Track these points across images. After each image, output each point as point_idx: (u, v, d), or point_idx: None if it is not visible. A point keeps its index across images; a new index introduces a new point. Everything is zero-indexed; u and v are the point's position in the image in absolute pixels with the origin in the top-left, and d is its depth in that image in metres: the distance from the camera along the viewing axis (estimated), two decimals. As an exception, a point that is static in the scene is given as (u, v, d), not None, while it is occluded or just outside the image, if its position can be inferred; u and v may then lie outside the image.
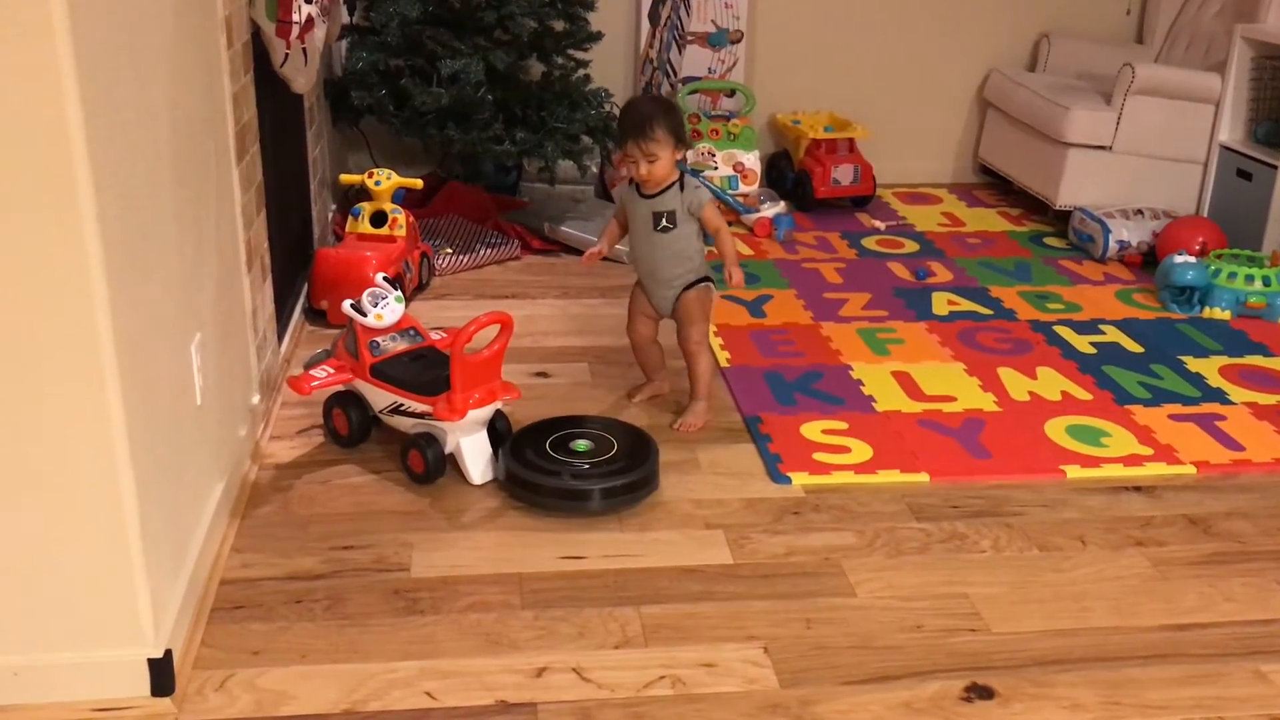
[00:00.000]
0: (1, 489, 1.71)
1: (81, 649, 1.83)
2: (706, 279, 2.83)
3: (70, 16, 1.51)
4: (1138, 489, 2.66)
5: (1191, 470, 2.74)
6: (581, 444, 2.58)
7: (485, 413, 2.57)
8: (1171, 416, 2.99)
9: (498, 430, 2.66)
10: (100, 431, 1.70)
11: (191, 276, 2.15)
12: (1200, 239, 3.94)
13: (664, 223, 2.74)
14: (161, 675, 1.86)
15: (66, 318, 1.63)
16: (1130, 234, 4.11)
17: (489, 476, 2.58)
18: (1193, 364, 3.31)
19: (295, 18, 2.74)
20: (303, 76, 3.04)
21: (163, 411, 1.93)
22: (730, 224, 4.33)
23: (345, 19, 3.96)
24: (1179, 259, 3.70)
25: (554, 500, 2.46)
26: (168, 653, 1.87)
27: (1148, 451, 2.80)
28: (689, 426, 2.83)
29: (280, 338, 3.05)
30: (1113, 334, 3.52)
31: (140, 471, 1.77)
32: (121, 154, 1.74)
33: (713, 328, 3.26)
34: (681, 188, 2.73)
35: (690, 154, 4.52)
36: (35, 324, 1.63)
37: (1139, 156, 4.32)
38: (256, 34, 2.73)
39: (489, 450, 2.61)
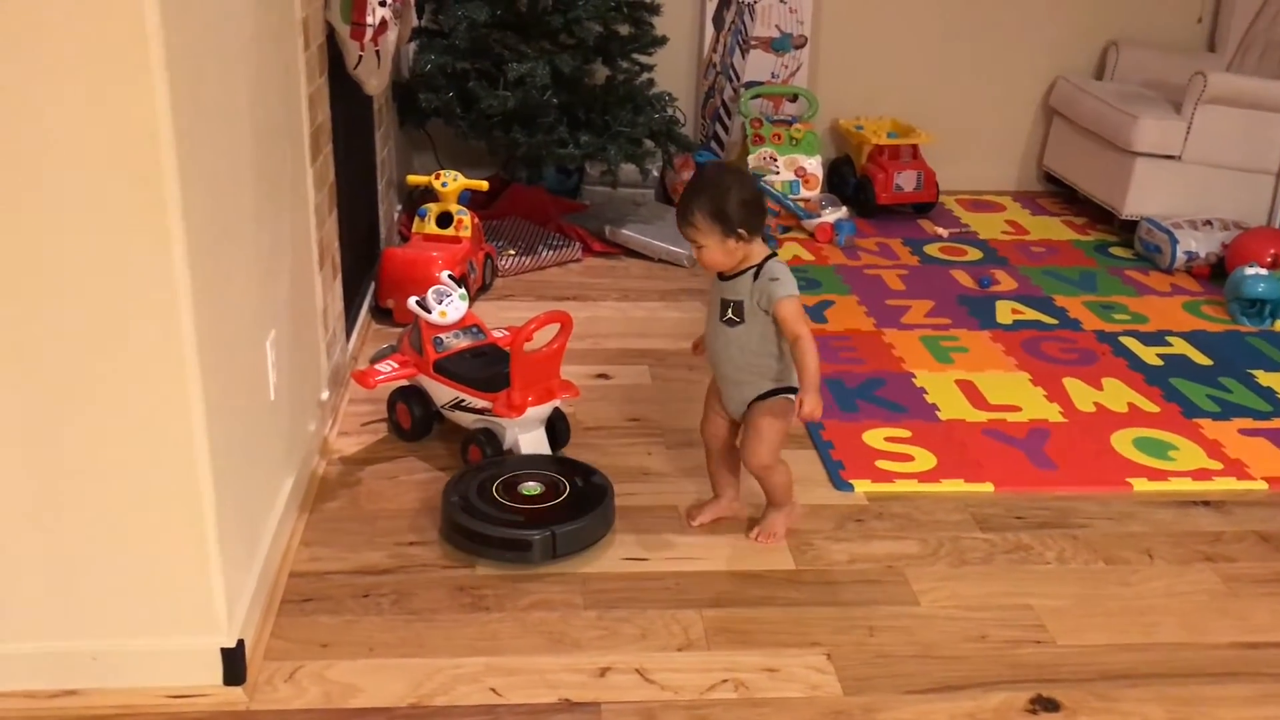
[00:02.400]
0: (85, 479, 1.76)
1: (157, 636, 1.87)
2: (788, 389, 2.31)
3: (162, 20, 1.55)
4: (1206, 503, 2.62)
5: (1263, 486, 2.69)
6: (531, 487, 2.39)
7: (544, 410, 2.59)
8: (1241, 431, 2.94)
9: (556, 428, 2.69)
10: (181, 425, 1.74)
11: (268, 274, 2.19)
12: (1272, 251, 3.87)
13: (729, 314, 2.27)
14: (234, 664, 1.90)
15: (152, 313, 1.67)
16: (1198, 245, 4.05)
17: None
18: (1263, 378, 3.26)
19: (369, 20, 2.78)
20: (375, 78, 3.08)
21: (239, 406, 1.97)
22: (789, 229, 4.36)
23: (415, 21, 4.01)
24: (1249, 271, 3.64)
25: (492, 550, 2.27)
26: (240, 643, 1.91)
27: (1217, 466, 2.76)
28: (767, 537, 2.41)
29: (348, 335, 3.10)
30: (1180, 346, 3.47)
31: (218, 464, 1.81)
32: (206, 154, 1.78)
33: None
34: (756, 275, 2.25)
35: (753, 159, 4.52)
36: (122, 320, 1.67)
37: (1209, 166, 4.25)
38: (331, 36, 2.78)
39: (547, 447, 2.63)
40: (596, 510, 2.34)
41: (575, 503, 2.36)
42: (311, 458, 2.56)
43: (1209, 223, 4.14)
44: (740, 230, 2.20)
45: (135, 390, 1.71)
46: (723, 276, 2.29)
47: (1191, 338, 3.53)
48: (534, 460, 2.53)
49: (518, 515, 2.31)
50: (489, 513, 2.31)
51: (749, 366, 2.30)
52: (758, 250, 2.25)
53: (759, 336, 2.27)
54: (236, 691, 1.91)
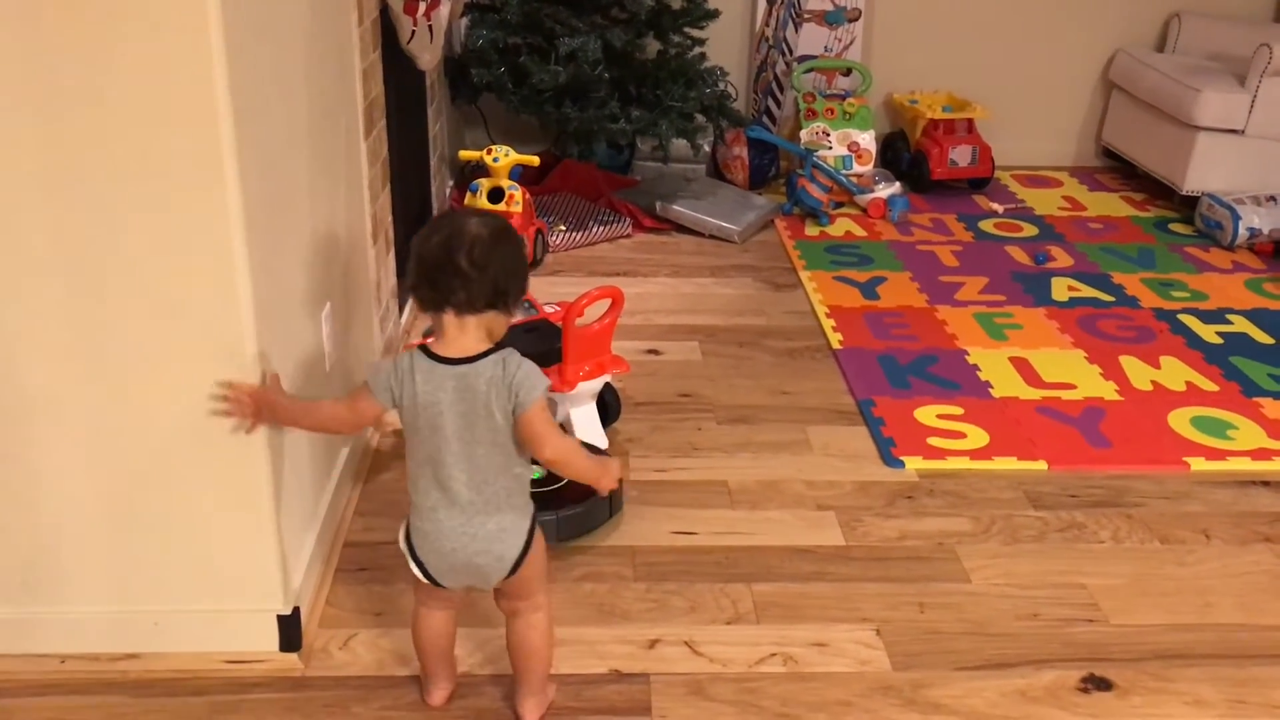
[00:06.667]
0: (147, 448, 1.79)
1: (216, 602, 1.91)
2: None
3: (221, -6, 1.57)
4: (1266, 484, 2.58)
5: (1324, 466, 2.65)
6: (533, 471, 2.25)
7: (595, 385, 2.60)
8: (1303, 410, 2.89)
9: (606, 403, 2.69)
10: (239, 395, 1.77)
11: (323, 248, 2.21)
12: (1338, 227, 3.79)
13: None
14: (290, 631, 1.93)
15: (210, 288, 1.70)
16: (1262, 221, 3.96)
17: (598, 448, 2.61)
18: (1327, 357, 3.20)
19: (422, -5, 2.79)
20: (428, 53, 3.09)
21: (296, 379, 2.00)
22: (841, 205, 4.33)
23: (466, -3, 4.02)
24: (1315, 248, 3.56)
25: None
26: (296, 610, 1.94)
27: (1277, 446, 2.71)
28: None
29: (401, 309, 3.12)
30: (1241, 324, 3.41)
31: (275, 435, 1.84)
32: (262, 129, 1.79)
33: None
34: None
35: (805, 133, 4.48)
36: (180, 293, 1.70)
37: (1273, 141, 4.15)
38: (384, 11, 2.79)
39: (598, 422, 2.64)
40: (592, 496, 2.22)
41: (578, 486, 2.18)
42: (365, 429, 2.59)
43: (1272, 198, 4.05)
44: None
45: (196, 363, 1.74)
46: None
47: (1253, 316, 3.46)
48: None
49: None
50: None
51: None
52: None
53: None
54: (292, 658, 1.94)
